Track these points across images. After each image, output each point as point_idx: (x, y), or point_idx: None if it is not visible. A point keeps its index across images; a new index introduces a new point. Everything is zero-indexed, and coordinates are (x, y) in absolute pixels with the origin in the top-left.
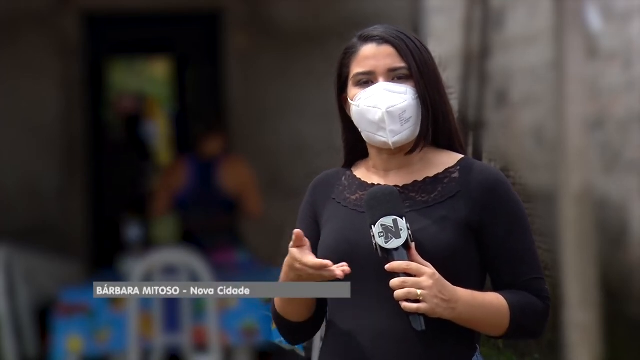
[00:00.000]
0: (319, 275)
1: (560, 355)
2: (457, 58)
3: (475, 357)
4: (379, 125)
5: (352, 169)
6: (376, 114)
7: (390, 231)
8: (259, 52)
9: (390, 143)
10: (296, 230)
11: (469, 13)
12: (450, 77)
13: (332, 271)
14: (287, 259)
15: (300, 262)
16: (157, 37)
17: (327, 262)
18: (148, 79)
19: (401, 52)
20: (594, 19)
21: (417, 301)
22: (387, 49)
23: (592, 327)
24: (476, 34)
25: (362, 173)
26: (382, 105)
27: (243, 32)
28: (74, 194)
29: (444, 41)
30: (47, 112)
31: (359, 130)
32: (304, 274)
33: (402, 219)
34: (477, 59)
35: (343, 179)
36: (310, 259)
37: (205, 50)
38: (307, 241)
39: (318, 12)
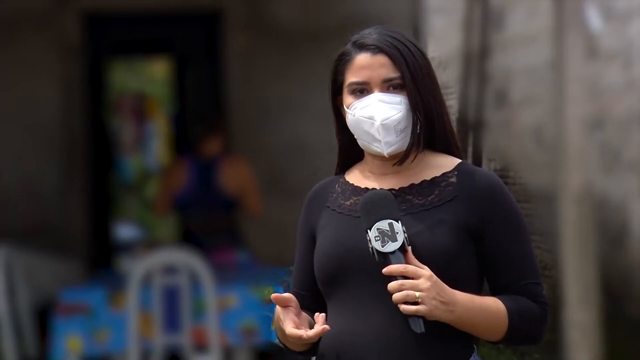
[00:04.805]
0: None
1: (560, 355)
2: (457, 58)
3: (472, 357)
4: (374, 136)
5: (345, 175)
6: (371, 126)
7: (386, 235)
8: (259, 52)
9: (385, 154)
10: (274, 295)
11: (469, 13)
12: (450, 77)
13: (307, 340)
14: (276, 315)
15: (284, 327)
16: (157, 37)
17: (302, 333)
18: (148, 79)
19: (395, 62)
20: (594, 19)
21: (415, 303)
22: (381, 59)
23: (592, 327)
24: (476, 34)
25: (356, 178)
26: (377, 117)
27: (243, 32)
28: (74, 194)
29: (444, 41)
30: (47, 112)
31: (355, 136)
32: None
33: (397, 222)
34: (477, 59)
35: (336, 186)
36: (289, 328)
37: (205, 50)
38: (293, 301)
39: (318, 12)
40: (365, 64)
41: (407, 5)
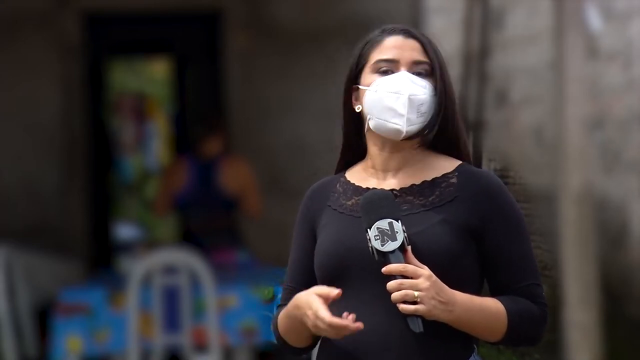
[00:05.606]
0: (331, 331)
1: (560, 355)
2: (457, 58)
3: (472, 357)
4: (397, 111)
5: (346, 175)
6: (396, 100)
7: (386, 234)
8: (259, 52)
9: (404, 131)
10: (326, 292)
11: (469, 13)
12: (450, 77)
13: (349, 329)
14: (301, 300)
15: (316, 314)
16: (157, 37)
17: (347, 323)
18: (148, 79)
19: (426, 49)
20: (594, 19)
21: (414, 303)
22: (413, 43)
23: (592, 327)
24: (476, 34)
25: (357, 177)
26: (405, 91)
27: (243, 32)
28: (74, 194)
29: (444, 41)
30: (47, 112)
31: (367, 118)
32: (310, 322)
33: (397, 221)
34: (477, 59)
35: (337, 185)
36: (329, 318)
37: (205, 50)
38: (329, 299)
39: (318, 13)
40: (396, 44)
41: (407, 5)
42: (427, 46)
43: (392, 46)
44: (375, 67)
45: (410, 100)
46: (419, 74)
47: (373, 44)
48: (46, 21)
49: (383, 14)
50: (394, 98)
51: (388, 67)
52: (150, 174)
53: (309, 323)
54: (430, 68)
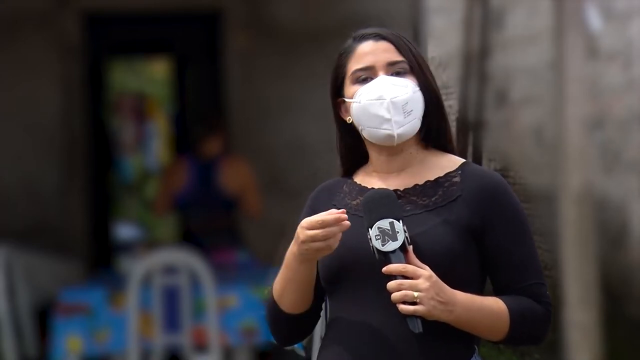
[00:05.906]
0: (323, 234)
1: (560, 355)
2: (457, 58)
3: (473, 358)
4: (383, 117)
5: (353, 177)
6: (380, 106)
7: (387, 234)
8: (259, 52)
9: (395, 135)
10: (337, 212)
11: (469, 13)
12: (450, 77)
13: (341, 221)
14: (296, 232)
15: (308, 225)
16: (157, 37)
17: (340, 213)
18: (148, 79)
19: (399, 47)
20: (594, 19)
21: (414, 303)
22: (384, 45)
23: (592, 327)
24: (476, 34)
25: (362, 179)
26: (387, 95)
27: (243, 32)
28: (74, 193)
29: (444, 41)
30: (47, 112)
31: (359, 129)
32: (302, 238)
33: (399, 221)
34: (477, 59)
35: (344, 186)
36: (319, 216)
37: (205, 50)
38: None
39: (318, 12)
40: (368, 50)
41: (407, 5)
42: (399, 45)
43: (365, 53)
44: (354, 77)
45: (393, 103)
46: (397, 74)
47: (347, 54)
48: (46, 21)
49: (383, 14)
50: (377, 105)
51: (366, 75)
52: (150, 174)
53: (301, 238)
54: (408, 65)
